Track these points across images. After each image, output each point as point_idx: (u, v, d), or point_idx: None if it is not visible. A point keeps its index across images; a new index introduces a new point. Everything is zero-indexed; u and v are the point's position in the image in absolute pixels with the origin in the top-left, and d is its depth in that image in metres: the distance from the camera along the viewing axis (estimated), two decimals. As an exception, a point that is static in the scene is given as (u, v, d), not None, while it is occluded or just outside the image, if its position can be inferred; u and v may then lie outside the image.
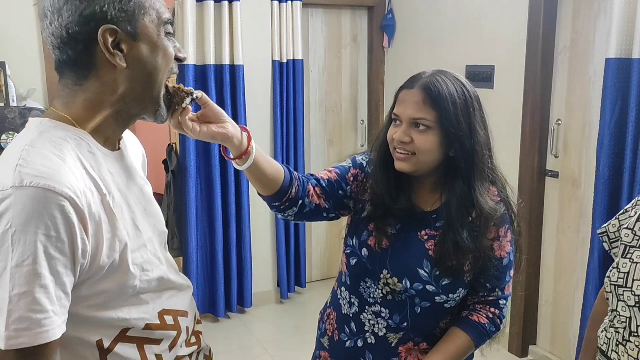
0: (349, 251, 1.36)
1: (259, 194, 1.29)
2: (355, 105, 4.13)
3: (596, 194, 2.47)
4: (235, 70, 3.33)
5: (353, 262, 1.34)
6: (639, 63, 2.26)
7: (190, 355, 1.13)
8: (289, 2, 3.48)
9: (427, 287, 1.28)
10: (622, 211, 1.36)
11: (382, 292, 1.31)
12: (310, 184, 1.32)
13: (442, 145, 1.25)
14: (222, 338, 3.33)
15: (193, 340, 1.14)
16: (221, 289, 3.46)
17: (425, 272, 1.28)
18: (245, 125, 3.43)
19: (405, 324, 1.31)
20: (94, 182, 0.93)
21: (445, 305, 1.30)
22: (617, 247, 1.31)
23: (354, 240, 1.35)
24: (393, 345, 1.33)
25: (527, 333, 3.14)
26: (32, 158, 0.86)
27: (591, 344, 1.38)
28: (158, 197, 4.75)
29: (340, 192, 1.35)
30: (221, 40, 3.26)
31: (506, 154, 3.10)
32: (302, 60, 3.61)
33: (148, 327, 1.02)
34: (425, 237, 1.31)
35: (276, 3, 3.45)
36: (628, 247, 1.25)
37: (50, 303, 0.83)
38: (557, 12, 2.88)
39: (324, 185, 1.34)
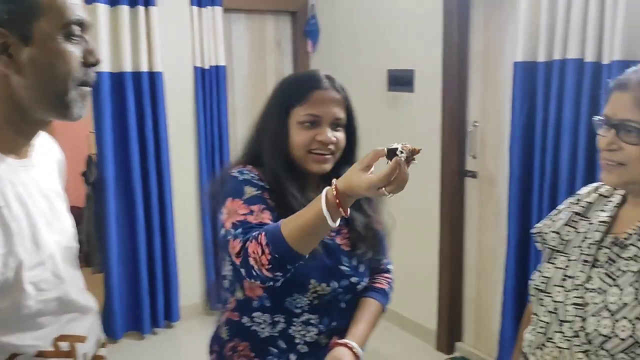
0: None
1: (296, 254, 1.09)
2: (282, 110, 4.10)
3: (510, 192, 2.57)
4: (154, 77, 3.24)
5: (279, 282, 1.26)
6: (543, 66, 2.37)
7: None
8: (209, 7, 3.42)
9: (351, 279, 1.32)
10: (554, 212, 1.33)
11: (308, 300, 1.29)
12: None
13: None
14: (148, 356, 3.21)
15: None
16: (146, 303, 3.34)
17: (346, 266, 1.32)
18: (167, 134, 3.34)
19: (335, 323, 1.33)
20: None
21: (361, 289, 1.37)
22: None
23: None
24: (324, 345, 1.33)
25: (453, 330, 3.22)
26: None
27: (520, 345, 1.36)
28: (77, 209, 4.56)
29: None
30: (137, 46, 3.16)
31: (427, 156, 3.17)
32: (225, 66, 3.56)
33: (40, 354, 0.95)
34: (333, 234, 1.32)
35: (196, 8, 3.38)
36: (552, 252, 1.24)
37: None
38: (469, 19, 2.98)
39: None
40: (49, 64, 0.91)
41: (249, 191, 1.23)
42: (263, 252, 1.08)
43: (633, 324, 1.03)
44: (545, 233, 1.30)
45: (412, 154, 1.00)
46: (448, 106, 3.05)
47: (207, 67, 3.47)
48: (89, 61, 0.96)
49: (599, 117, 1.14)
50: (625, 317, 1.04)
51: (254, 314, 1.31)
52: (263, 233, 1.10)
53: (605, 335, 1.05)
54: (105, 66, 3.09)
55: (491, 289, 3.04)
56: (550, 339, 1.17)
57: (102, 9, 3.05)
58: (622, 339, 1.04)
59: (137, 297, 3.34)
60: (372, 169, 1.03)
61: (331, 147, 1.29)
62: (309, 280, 1.27)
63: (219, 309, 1.44)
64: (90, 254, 4.22)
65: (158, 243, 3.35)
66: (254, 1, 3.79)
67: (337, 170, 1.33)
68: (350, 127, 1.34)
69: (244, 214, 1.19)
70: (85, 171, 4.00)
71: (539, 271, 1.25)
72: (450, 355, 3.20)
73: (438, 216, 3.17)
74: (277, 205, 1.25)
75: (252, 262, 1.10)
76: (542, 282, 1.22)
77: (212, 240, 1.45)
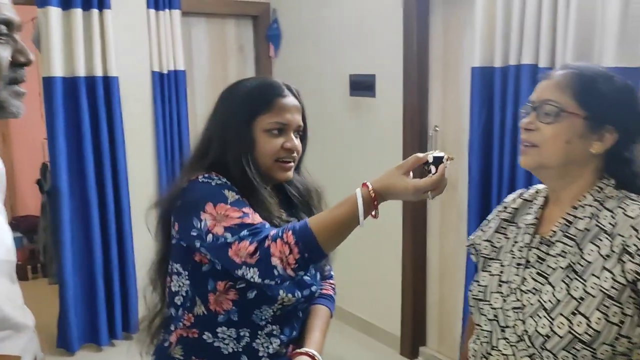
0: (243, 285, 1.24)
1: (323, 253, 1.12)
2: (244, 115, 4.05)
3: (469, 197, 2.57)
4: (109, 82, 3.15)
5: (252, 294, 1.25)
6: (500, 71, 2.38)
7: None
8: (167, 11, 3.35)
9: (312, 288, 1.35)
10: (484, 222, 1.37)
11: (273, 311, 1.28)
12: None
13: None
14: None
15: None
16: (103, 314, 3.24)
17: (308, 275, 1.34)
18: (124, 140, 3.25)
19: (294, 333, 1.34)
20: None
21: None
22: None
23: None
24: (283, 355, 1.33)
25: (417, 334, 3.22)
26: None
27: (466, 355, 1.37)
28: (34, 219, 4.41)
29: None
30: (91, 51, 3.07)
31: (389, 160, 3.16)
32: (185, 70, 3.49)
33: None
34: None
35: (152, 11, 3.30)
36: (486, 260, 1.26)
37: None
38: (429, 24, 2.99)
39: None
40: None
41: (231, 195, 1.20)
42: (291, 252, 1.08)
43: (569, 320, 1.04)
44: (478, 244, 1.32)
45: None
46: (409, 110, 3.06)
47: (165, 71, 3.39)
48: (18, 61, 0.94)
49: (524, 106, 1.20)
50: (561, 314, 1.05)
51: (219, 329, 1.27)
52: (289, 232, 1.10)
53: (544, 335, 1.06)
54: (57, 71, 3.00)
55: (454, 293, 3.04)
56: (495, 347, 1.17)
57: (55, 12, 2.96)
58: (561, 337, 1.04)
59: (93, 308, 3.24)
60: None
61: (295, 154, 1.31)
62: (279, 292, 1.26)
63: (159, 330, 1.39)
64: (47, 265, 4.09)
65: (115, 252, 3.26)
66: (214, 5, 3.73)
67: (284, 184, 1.38)
68: (304, 135, 1.37)
69: (239, 217, 1.15)
70: (40, 179, 3.88)
71: (476, 281, 1.26)
72: (415, 360, 3.20)
73: (400, 221, 3.17)
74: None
75: (275, 261, 1.09)
76: (480, 292, 1.23)
77: (158, 257, 1.38)
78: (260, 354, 1.29)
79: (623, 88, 1.14)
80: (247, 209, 1.18)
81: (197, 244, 1.19)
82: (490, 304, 1.19)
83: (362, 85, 3.31)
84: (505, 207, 1.31)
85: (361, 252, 3.31)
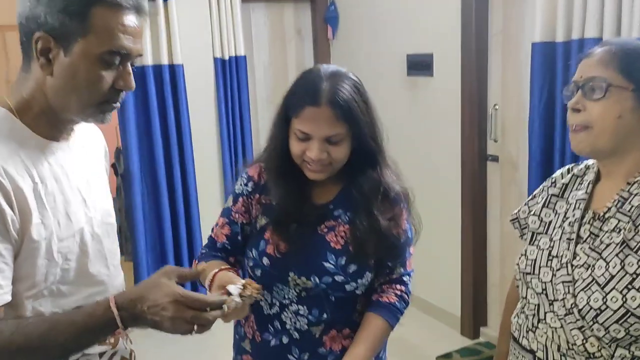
0: (252, 264, 1.36)
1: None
2: (304, 98, 4.11)
3: (530, 176, 2.53)
4: (174, 70, 3.29)
5: (258, 273, 1.35)
6: (562, 46, 2.31)
7: (102, 355, 1.14)
8: (227, -2, 3.45)
9: (336, 277, 1.30)
10: (530, 197, 1.37)
11: (295, 291, 1.34)
12: (228, 259, 1.41)
13: (352, 146, 1.30)
14: (176, 341, 3.29)
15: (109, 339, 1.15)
16: (174, 291, 3.43)
17: (331, 264, 1.31)
18: (189, 126, 3.40)
19: (325, 316, 1.34)
20: (27, 170, 0.99)
21: (357, 291, 1.34)
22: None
23: (254, 252, 1.36)
24: (317, 336, 1.37)
25: (478, 315, 3.20)
26: None
27: (506, 330, 1.40)
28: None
29: (239, 236, 1.41)
30: (158, 40, 3.21)
31: (448, 140, 3.14)
32: (245, 56, 3.58)
33: None
34: (325, 230, 1.34)
35: (214, -1, 3.41)
36: (535, 234, 1.26)
37: None
38: (488, -2, 2.92)
39: (229, 248, 1.41)
40: (79, 79, 0.99)
41: (227, 203, 1.43)
42: None
43: (623, 294, 1.05)
44: (523, 219, 1.34)
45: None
46: (467, 89, 3.01)
47: (226, 57, 3.49)
48: (118, 86, 1.02)
49: (567, 87, 1.18)
50: (614, 289, 1.06)
51: (264, 291, 1.35)
52: None
53: (597, 309, 1.07)
54: (127, 61, 3.16)
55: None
56: (542, 319, 1.19)
57: (123, 4, 3.12)
58: (614, 310, 1.05)
59: (165, 285, 3.44)
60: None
61: (322, 162, 1.26)
62: (288, 273, 1.32)
63: None
64: (123, 243, 4.36)
65: (184, 233, 3.43)
66: (272, -10, 3.80)
67: (353, 179, 1.33)
68: (359, 137, 1.27)
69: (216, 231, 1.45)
70: (114, 163, 4.12)
71: (524, 255, 1.27)
72: (475, 340, 3.19)
73: (459, 201, 3.14)
74: (246, 208, 1.39)
75: None
76: (528, 265, 1.23)
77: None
78: (288, 327, 1.37)
79: None
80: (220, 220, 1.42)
81: None
82: (539, 278, 1.19)
83: (420, 65, 3.28)
84: (554, 182, 1.31)
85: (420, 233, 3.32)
